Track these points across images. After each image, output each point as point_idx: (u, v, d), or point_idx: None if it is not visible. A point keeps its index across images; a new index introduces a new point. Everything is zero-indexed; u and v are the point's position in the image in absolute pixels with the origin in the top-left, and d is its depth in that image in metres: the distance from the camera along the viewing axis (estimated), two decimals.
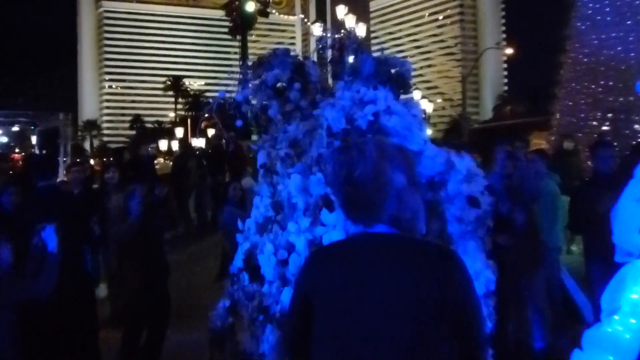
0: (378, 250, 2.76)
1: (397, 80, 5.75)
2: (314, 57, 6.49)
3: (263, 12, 21.73)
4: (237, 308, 6.04)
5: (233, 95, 6.70)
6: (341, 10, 27.82)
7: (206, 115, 6.61)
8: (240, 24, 21.20)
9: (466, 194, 5.69)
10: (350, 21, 27.87)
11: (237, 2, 21.29)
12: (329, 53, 6.01)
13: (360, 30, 29.11)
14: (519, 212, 7.46)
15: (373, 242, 2.79)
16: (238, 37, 22.43)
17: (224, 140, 17.13)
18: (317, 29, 28.38)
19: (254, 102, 6.45)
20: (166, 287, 8.67)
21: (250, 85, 6.29)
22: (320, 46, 5.98)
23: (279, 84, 6.25)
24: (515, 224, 7.34)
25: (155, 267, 8.57)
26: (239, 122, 5.97)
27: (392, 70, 5.81)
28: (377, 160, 2.78)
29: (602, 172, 7.70)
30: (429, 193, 5.78)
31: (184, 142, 20.38)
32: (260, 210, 6.18)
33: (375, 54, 5.82)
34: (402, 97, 5.95)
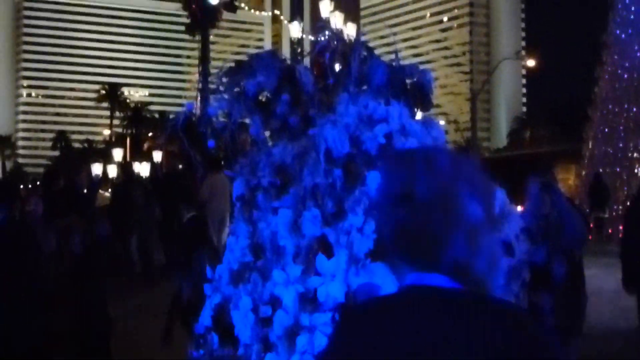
0: (439, 316, 2.46)
1: (415, 93, 5.74)
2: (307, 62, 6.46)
3: (230, 6, 21.73)
4: None
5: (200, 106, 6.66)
6: (326, 6, 27.97)
7: (167, 133, 6.51)
8: (201, 20, 21.18)
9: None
10: (337, 20, 28.01)
11: None
12: (327, 57, 5.98)
13: (349, 32, 29.29)
14: (557, 263, 7.46)
15: (432, 304, 2.49)
16: (197, 37, 22.41)
17: (181, 166, 17.03)
18: (295, 29, 28.53)
19: (223, 117, 6.42)
20: (109, 350, 8.65)
21: (225, 96, 6.25)
22: (317, 48, 5.94)
23: (262, 95, 6.22)
24: (554, 277, 7.33)
25: (94, 325, 8.51)
26: (210, 143, 5.90)
27: (408, 81, 5.80)
28: (450, 178, 2.55)
29: None
30: None
31: (125, 167, 20.22)
32: (235, 254, 6.12)
33: (388, 60, 5.80)
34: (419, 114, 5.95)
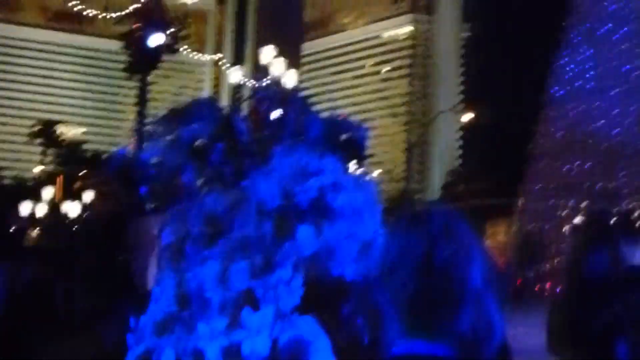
0: None
1: (349, 147, 5.75)
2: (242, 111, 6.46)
3: (171, 49, 21.72)
4: None
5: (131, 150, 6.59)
6: (268, 52, 28.05)
7: (98, 176, 6.45)
8: (141, 61, 21.08)
9: None
10: (278, 67, 28.10)
11: (139, 33, 21.25)
12: (265, 105, 5.99)
13: (290, 79, 29.39)
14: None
15: None
16: (137, 77, 22.34)
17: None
18: (235, 74, 28.59)
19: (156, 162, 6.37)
20: None
21: (160, 141, 6.21)
22: (256, 97, 5.93)
23: (197, 143, 6.19)
24: None
25: None
26: (142, 188, 5.84)
27: (343, 135, 5.81)
28: (464, 244, 2.55)
29: None
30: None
31: (55, 207, 19.96)
32: (160, 304, 6.03)
33: (324, 114, 5.80)
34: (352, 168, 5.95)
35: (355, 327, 5.70)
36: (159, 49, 21.72)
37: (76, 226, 18.34)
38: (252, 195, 5.55)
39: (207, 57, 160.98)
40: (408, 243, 2.58)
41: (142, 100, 21.77)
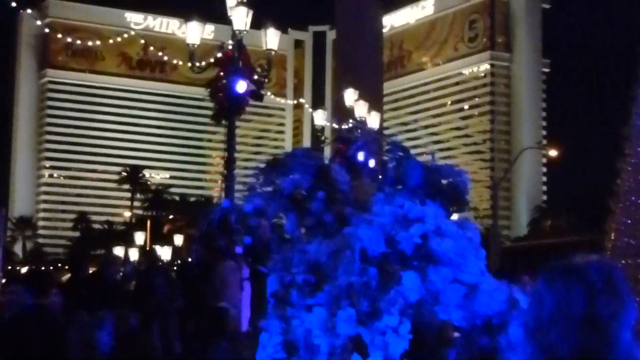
0: None
1: (450, 194, 5.79)
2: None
3: (257, 95, 21.98)
4: None
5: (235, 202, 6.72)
6: (351, 95, 28.23)
7: (204, 228, 6.57)
8: (228, 108, 21.40)
9: None
10: (361, 109, 28.22)
11: (224, 80, 21.54)
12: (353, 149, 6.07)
13: (374, 121, 29.51)
14: None
15: None
16: (224, 123, 22.63)
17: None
18: (318, 117, 28.77)
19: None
20: None
21: (261, 192, 6.32)
22: (355, 148, 6.02)
23: (297, 192, 6.28)
24: None
25: None
26: (247, 240, 5.95)
27: (444, 182, 5.86)
28: (623, 297, 2.57)
29: None
30: (485, 338, 5.76)
31: (149, 252, 20.22)
32: (267, 351, 6.13)
33: (423, 160, 5.87)
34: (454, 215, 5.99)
35: None
36: (245, 96, 22.04)
37: (169, 270, 18.51)
38: (355, 243, 5.61)
39: (288, 101, 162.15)
40: (566, 296, 2.57)
41: (230, 146, 22.03)
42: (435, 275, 5.55)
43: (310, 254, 6.05)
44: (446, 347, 5.59)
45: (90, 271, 15.51)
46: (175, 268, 18.55)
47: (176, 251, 44.43)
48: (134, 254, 43.12)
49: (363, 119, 28.59)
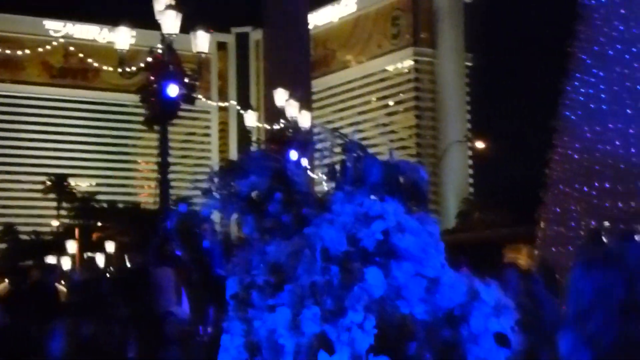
0: None
1: (408, 190, 5.88)
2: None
3: (189, 98, 21.95)
4: None
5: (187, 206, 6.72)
6: (281, 96, 28.29)
7: (160, 233, 6.59)
8: (161, 113, 21.31)
9: (493, 331, 5.76)
10: (292, 109, 28.31)
11: (155, 85, 21.43)
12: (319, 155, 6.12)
13: (304, 120, 29.63)
14: (543, 353, 7.53)
15: None
16: (155, 128, 22.53)
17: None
18: (250, 118, 28.81)
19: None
20: None
21: (217, 196, 6.34)
22: (321, 148, 6.06)
23: (254, 194, 6.31)
24: None
25: None
26: (205, 243, 5.98)
27: (402, 178, 5.94)
28: None
29: None
30: (447, 329, 5.85)
31: (87, 261, 20.03)
32: (230, 353, 6.15)
33: (381, 158, 5.95)
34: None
35: None
36: (177, 100, 21.99)
37: (105, 278, 18.29)
38: (316, 242, 5.67)
39: (213, 104, 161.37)
40: (605, 284, 2.57)
41: (163, 151, 21.98)
42: (397, 271, 5.63)
43: (270, 255, 6.09)
44: (407, 340, 5.66)
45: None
46: (109, 276, 18.38)
47: (109, 259, 44.19)
48: (66, 263, 42.70)
49: (294, 118, 28.70)
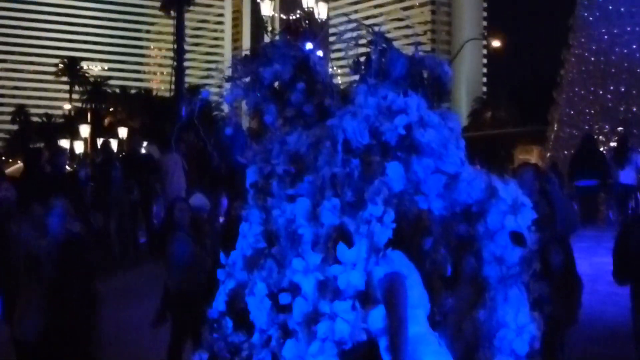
0: None
1: (432, 85, 5.83)
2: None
3: None
4: None
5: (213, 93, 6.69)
6: None
7: (182, 118, 6.57)
8: None
9: (510, 229, 5.78)
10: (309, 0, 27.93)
11: None
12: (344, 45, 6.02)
13: (321, 11, 29.27)
14: (555, 252, 7.56)
15: None
16: (172, 14, 22.31)
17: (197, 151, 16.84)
18: (266, 7, 28.47)
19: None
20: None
21: (240, 84, 6.29)
22: (339, 38, 5.97)
23: (277, 83, 6.27)
24: (552, 267, 7.42)
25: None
26: (228, 130, 5.97)
27: (426, 73, 5.89)
28: None
29: None
30: (464, 225, 5.88)
31: (103, 145, 20.08)
32: (248, 240, 6.19)
33: (406, 52, 5.88)
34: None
35: (439, 259, 5.85)
36: None
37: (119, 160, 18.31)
38: (338, 134, 5.64)
39: None
40: None
41: (179, 37, 21.82)
42: (417, 166, 5.62)
43: (290, 145, 6.07)
44: (423, 235, 5.68)
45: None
46: (127, 161, 18.41)
47: (121, 143, 44.27)
48: (79, 147, 42.71)
49: (311, 9, 28.36)
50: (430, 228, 5.69)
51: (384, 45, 5.82)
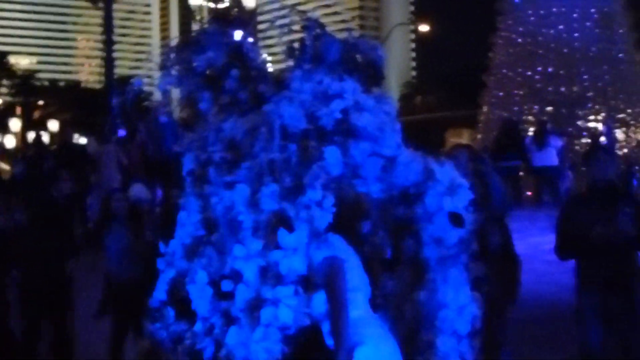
0: None
1: (367, 69, 5.83)
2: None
3: None
4: (160, 352, 6.00)
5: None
6: None
7: (115, 108, 6.49)
8: None
9: (447, 210, 5.82)
10: None
11: None
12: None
13: (249, 0, 29.16)
14: (492, 232, 7.60)
15: None
16: (100, 4, 22.06)
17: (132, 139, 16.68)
18: None
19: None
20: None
21: (173, 72, 6.22)
22: (273, 23, 5.94)
23: (211, 70, 6.22)
24: (490, 246, 7.47)
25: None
26: (162, 118, 5.91)
27: (360, 57, 5.88)
28: None
29: (599, 185, 7.78)
30: (402, 208, 5.90)
31: (35, 138, 19.86)
32: (187, 229, 6.14)
33: (340, 37, 5.88)
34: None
35: (378, 242, 5.87)
36: None
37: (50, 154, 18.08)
38: (275, 120, 5.62)
39: None
40: None
41: (108, 28, 21.57)
42: (355, 150, 5.62)
43: (226, 131, 6.02)
44: (361, 219, 5.68)
45: None
46: (60, 153, 18.20)
47: (52, 136, 43.81)
48: (9, 141, 42.03)
49: None
50: (368, 211, 5.70)
51: (318, 30, 5.81)
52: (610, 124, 26.71)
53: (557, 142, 22.26)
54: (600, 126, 27.34)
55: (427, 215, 5.81)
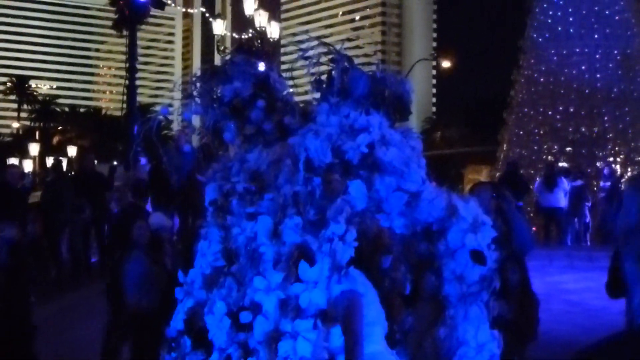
0: None
1: (394, 103, 5.83)
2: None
3: (158, 3, 21.60)
4: None
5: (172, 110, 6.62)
6: (250, 5, 27.86)
7: (139, 137, 6.49)
8: (130, 16, 20.97)
9: (470, 248, 5.79)
10: (261, 18, 27.92)
11: None
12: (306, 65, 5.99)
13: (274, 30, 29.28)
14: (512, 270, 7.56)
15: None
16: (125, 32, 22.21)
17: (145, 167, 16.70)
18: (218, 26, 28.41)
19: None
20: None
21: (198, 100, 6.24)
22: (301, 55, 5.94)
23: (236, 101, 6.23)
24: (509, 285, 7.42)
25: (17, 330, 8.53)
26: (186, 147, 5.91)
27: (387, 91, 5.88)
28: None
29: None
30: (424, 244, 5.87)
31: (55, 163, 19.88)
32: (207, 259, 6.13)
33: (368, 71, 5.88)
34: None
35: (398, 277, 5.83)
36: (146, 4, 21.68)
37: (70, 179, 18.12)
38: (300, 153, 5.62)
39: (179, 9, 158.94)
40: None
41: (132, 55, 21.69)
42: (379, 184, 5.61)
43: (250, 162, 6.04)
44: (383, 253, 5.65)
45: None
46: (74, 179, 18.25)
47: (70, 162, 44.04)
48: (28, 165, 42.32)
49: (263, 29, 28.35)
50: (390, 246, 5.67)
51: (346, 64, 5.81)
52: (612, 165, 26.71)
53: (567, 184, 22.57)
54: (618, 168, 27.27)
55: (450, 252, 5.79)
